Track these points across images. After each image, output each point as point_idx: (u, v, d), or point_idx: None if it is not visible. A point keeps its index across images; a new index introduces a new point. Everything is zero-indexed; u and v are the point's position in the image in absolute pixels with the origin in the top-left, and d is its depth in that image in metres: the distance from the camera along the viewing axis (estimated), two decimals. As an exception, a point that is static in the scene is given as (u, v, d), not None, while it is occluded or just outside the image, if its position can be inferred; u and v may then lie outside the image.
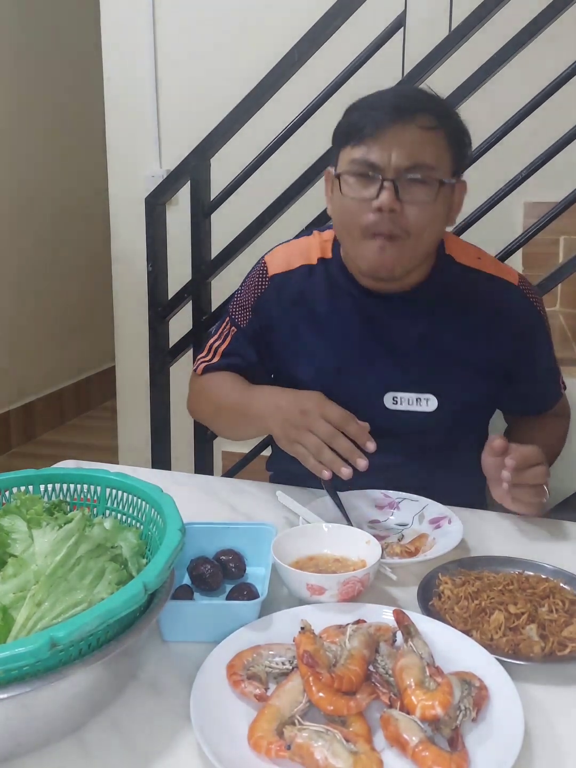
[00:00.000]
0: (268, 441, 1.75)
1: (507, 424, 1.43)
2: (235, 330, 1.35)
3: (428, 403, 1.21)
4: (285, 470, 1.41)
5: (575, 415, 1.45)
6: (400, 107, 1.08)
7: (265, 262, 1.32)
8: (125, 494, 0.93)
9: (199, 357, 1.42)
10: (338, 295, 1.25)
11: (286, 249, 1.32)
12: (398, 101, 1.10)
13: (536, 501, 1.07)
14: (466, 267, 1.25)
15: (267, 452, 1.69)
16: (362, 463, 1.01)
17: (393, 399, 1.22)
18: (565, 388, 1.39)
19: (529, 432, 1.31)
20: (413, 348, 1.23)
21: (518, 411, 1.38)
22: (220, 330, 1.38)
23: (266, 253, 1.34)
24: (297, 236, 1.37)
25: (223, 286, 1.99)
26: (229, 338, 1.36)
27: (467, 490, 1.28)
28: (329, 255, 1.27)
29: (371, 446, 1.03)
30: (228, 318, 1.37)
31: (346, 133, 1.13)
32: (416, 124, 1.08)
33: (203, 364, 1.39)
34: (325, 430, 1.03)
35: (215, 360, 1.37)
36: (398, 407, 1.22)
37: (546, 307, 1.32)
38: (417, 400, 1.21)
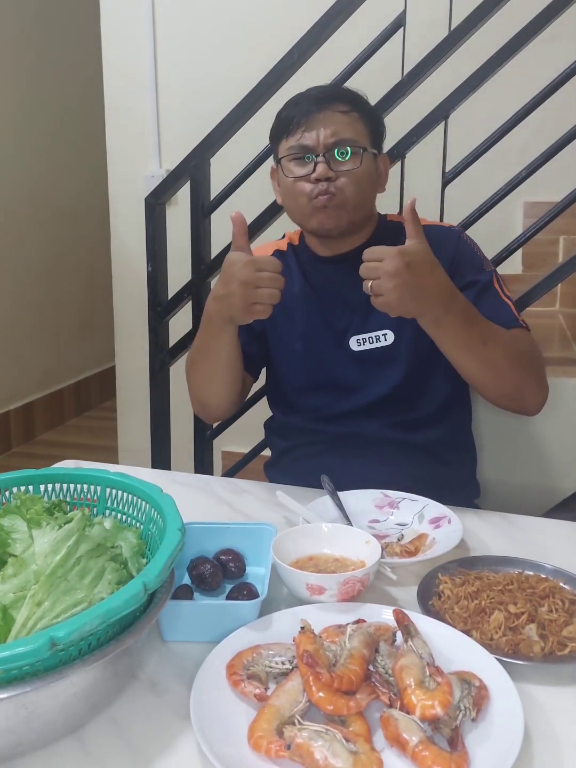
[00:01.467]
0: (268, 442, 1.75)
1: None
2: None
3: (386, 337, 1.36)
4: (283, 471, 1.43)
5: (568, 414, 1.44)
6: (319, 98, 1.31)
7: None
8: (125, 494, 0.93)
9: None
10: (304, 267, 1.45)
11: (261, 245, 1.52)
12: (317, 94, 1.33)
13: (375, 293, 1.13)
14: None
15: (267, 452, 1.69)
16: (281, 281, 1.17)
17: (357, 341, 1.38)
18: (528, 328, 1.33)
19: None
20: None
21: None
22: None
23: None
24: None
25: (223, 286, 1.99)
26: None
27: (456, 452, 1.43)
28: (297, 242, 1.48)
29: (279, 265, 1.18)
30: None
31: (280, 128, 1.35)
32: (334, 110, 1.30)
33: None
34: (247, 278, 1.16)
35: None
36: (362, 347, 1.38)
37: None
38: (376, 337, 1.37)
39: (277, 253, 1.46)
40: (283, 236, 1.51)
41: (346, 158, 1.29)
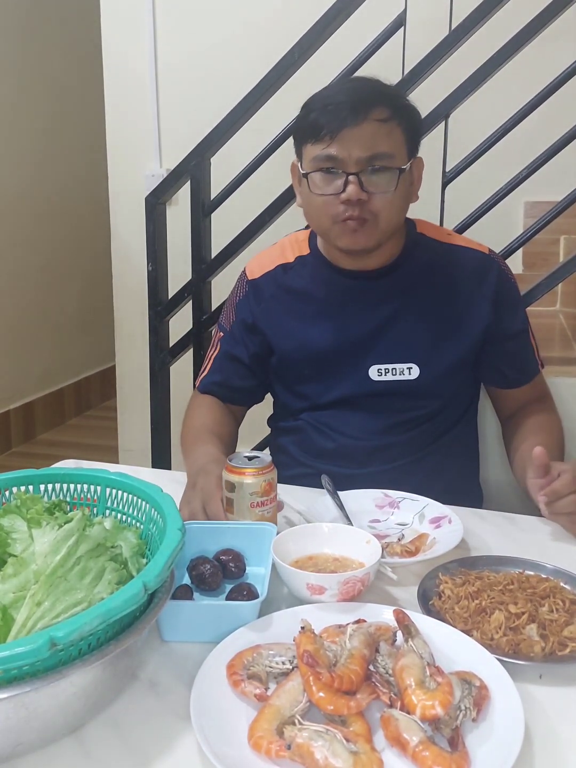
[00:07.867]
0: (266, 442, 1.75)
1: (499, 413, 1.43)
2: (222, 334, 1.42)
3: (411, 371, 1.28)
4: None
5: (568, 413, 1.45)
6: (356, 104, 1.14)
7: (244, 270, 1.41)
8: (125, 494, 0.93)
9: (199, 372, 1.48)
10: (319, 282, 1.32)
11: (260, 256, 1.40)
12: (353, 98, 1.15)
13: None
14: (438, 241, 1.34)
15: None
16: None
17: (377, 371, 1.29)
18: (542, 366, 1.39)
19: (531, 438, 1.28)
20: (393, 321, 1.29)
21: (498, 381, 1.38)
22: (212, 341, 1.46)
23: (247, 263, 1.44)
24: None
25: (223, 285, 1.99)
26: (218, 345, 1.43)
27: (460, 477, 1.40)
28: (307, 251, 1.34)
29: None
30: (217, 326, 1.45)
31: (306, 131, 1.19)
32: (372, 118, 1.14)
33: (199, 379, 1.45)
34: (196, 506, 1.06)
35: (207, 370, 1.44)
36: (383, 378, 1.29)
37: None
38: (399, 370, 1.28)
39: (280, 268, 1.34)
40: (292, 235, 1.39)
41: (382, 177, 1.15)
